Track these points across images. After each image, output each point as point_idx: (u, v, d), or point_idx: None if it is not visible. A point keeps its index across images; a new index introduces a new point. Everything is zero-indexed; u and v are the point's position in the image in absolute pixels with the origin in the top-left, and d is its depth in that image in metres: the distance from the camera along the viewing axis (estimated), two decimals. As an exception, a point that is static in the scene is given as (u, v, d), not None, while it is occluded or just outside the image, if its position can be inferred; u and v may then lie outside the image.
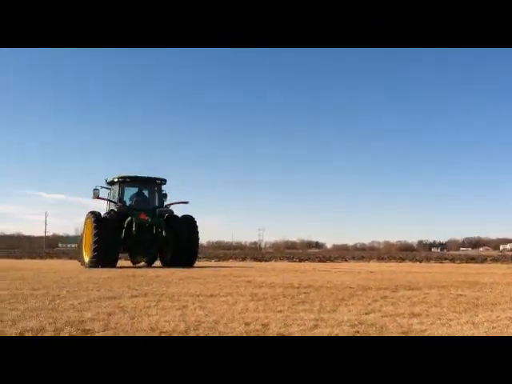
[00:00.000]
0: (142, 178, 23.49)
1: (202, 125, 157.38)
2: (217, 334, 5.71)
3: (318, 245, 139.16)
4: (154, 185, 23.75)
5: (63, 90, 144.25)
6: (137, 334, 5.66)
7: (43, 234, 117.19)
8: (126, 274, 16.72)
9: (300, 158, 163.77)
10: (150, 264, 24.90)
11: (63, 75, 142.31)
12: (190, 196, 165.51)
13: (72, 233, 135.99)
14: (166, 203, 23.76)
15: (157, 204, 23.54)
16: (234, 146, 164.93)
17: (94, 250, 21.09)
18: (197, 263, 27.22)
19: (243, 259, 47.66)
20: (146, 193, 23.80)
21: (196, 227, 23.13)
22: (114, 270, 20.21)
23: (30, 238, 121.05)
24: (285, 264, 36.46)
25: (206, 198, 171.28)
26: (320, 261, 45.01)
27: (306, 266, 31.62)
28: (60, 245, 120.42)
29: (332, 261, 45.50)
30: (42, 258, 46.43)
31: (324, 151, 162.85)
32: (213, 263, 36.33)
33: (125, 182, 23.14)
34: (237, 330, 6.04)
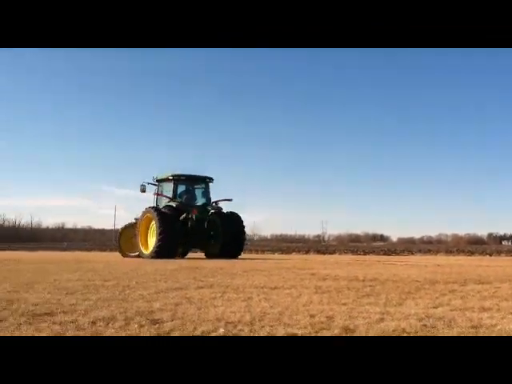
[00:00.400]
0: (194, 176, 25.66)
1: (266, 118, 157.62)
2: (282, 326, 5.75)
3: (382, 238, 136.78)
4: (203, 183, 25.96)
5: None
6: (203, 324, 5.79)
7: (113, 228, 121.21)
8: (191, 266, 17.05)
9: (364, 151, 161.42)
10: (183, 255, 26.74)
11: (139, 77, 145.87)
12: (255, 190, 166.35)
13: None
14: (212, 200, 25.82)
15: (205, 201, 25.66)
16: (296, 138, 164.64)
17: (159, 243, 22.82)
18: (259, 256, 27.53)
19: (306, 252, 47.55)
20: (195, 190, 26.14)
21: (242, 222, 25.34)
22: (177, 261, 20.67)
23: (101, 231, 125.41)
24: (349, 257, 36.11)
25: (269, 192, 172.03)
26: (385, 254, 44.25)
27: (371, 259, 31.20)
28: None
29: (397, 254, 44.67)
30: (111, 250, 48.00)
31: (388, 144, 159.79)
32: (276, 256, 36.48)
33: (179, 179, 25.13)
34: (301, 322, 6.06)
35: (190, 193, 25.85)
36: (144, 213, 24.57)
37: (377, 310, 7.11)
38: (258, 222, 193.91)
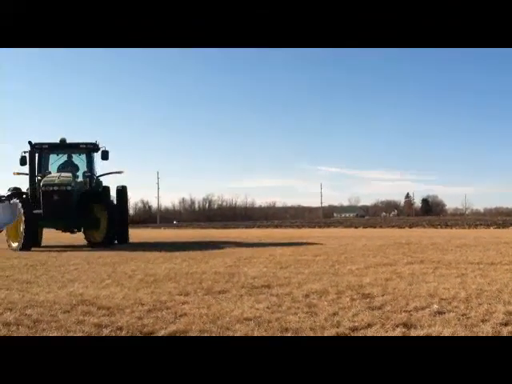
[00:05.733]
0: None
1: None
2: (501, 304, 5.41)
3: None
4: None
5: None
6: (416, 300, 5.70)
7: (320, 205, 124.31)
8: (399, 242, 16.81)
9: None
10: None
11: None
12: (463, 162, 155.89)
13: (346, 203, 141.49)
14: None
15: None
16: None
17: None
18: (471, 230, 25.56)
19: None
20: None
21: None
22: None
23: (308, 209, 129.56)
24: None
25: (482, 162, 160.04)
26: None
27: None
28: (335, 214, 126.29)
29: None
30: (320, 227, 49.42)
31: None
32: (491, 230, 34.06)
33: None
34: (524, 300, 5.63)
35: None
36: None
37: None
38: (469, 195, 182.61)
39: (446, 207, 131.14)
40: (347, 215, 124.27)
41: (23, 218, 16.05)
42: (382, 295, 6.10)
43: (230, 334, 4.36)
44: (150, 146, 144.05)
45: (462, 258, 10.47)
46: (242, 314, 5.04)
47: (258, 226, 53.42)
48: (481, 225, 45.63)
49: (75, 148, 18.88)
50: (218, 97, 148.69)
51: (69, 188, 16.83)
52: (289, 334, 4.30)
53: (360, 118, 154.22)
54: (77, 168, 18.94)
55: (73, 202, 16.79)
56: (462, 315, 4.96)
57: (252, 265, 9.65)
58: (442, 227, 42.54)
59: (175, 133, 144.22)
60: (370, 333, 4.30)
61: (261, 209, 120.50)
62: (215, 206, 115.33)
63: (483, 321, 4.69)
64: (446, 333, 4.21)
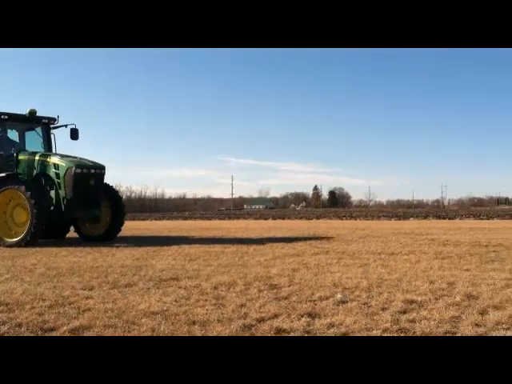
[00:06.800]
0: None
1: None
2: (400, 292, 5.67)
3: (508, 201, 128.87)
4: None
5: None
6: (320, 289, 5.87)
7: (230, 197, 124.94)
8: (307, 233, 17.21)
9: (485, 112, 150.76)
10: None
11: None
12: (372, 155, 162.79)
13: (256, 195, 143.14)
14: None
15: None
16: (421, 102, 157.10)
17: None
18: (375, 221, 26.61)
19: (425, 217, 46.09)
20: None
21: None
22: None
23: (219, 200, 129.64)
24: (471, 222, 34.52)
25: (386, 156, 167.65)
26: (511, 218, 41.75)
27: (496, 223, 29.60)
28: (245, 206, 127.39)
29: (525, 218, 41.95)
30: (230, 218, 49.63)
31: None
32: (393, 221, 35.74)
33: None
34: (421, 288, 5.94)
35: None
36: None
37: (502, 277, 6.79)
38: (373, 187, 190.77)
39: (352, 199, 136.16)
40: (257, 207, 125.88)
41: (29, 207, 12.97)
42: (289, 285, 6.22)
43: (136, 328, 4.28)
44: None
45: (365, 249, 10.89)
46: (148, 308, 4.95)
47: (168, 218, 52.83)
48: (383, 216, 47.81)
49: (31, 122, 15.26)
50: (127, 86, 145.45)
51: (103, 172, 14.54)
52: (196, 327, 4.28)
53: (270, 110, 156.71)
54: (14, 145, 15.13)
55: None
56: (364, 304, 5.17)
57: (160, 257, 9.52)
58: (347, 219, 44.08)
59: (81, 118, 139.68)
60: (276, 323, 4.37)
61: (171, 200, 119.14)
62: (123, 198, 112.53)
63: (383, 309, 4.91)
64: (348, 321, 4.37)
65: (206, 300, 5.39)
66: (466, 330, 4.14)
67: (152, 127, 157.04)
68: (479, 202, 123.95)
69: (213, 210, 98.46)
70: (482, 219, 41.10)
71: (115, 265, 8.31)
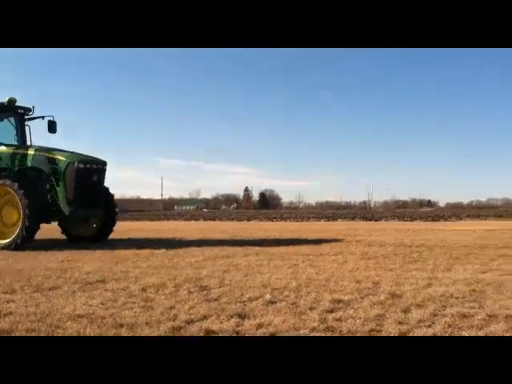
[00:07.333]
0: None
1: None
2: (328, 292, 5.79)
3: (430, 203, 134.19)
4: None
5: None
6: (250, 290, 5.89)
7: (160, 197, 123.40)
8: (239, 235, 17.25)
9: (412, 116, 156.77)
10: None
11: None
12: (299, 157, 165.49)
13: (186, 196, 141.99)
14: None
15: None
16: (345, 107, 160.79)
17: None
18: (304, 223, 27.06)
19: (352, 219, 47.29)
20: None
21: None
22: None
23: (148, 201, 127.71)
24: (395, 223, 35.74)
25: (315, 159, 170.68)
26: (433, 220, 43.54)
27: (419, 225, 30.79)
28: (175, 207, 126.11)
29: (446, 220, 43.91)
30: (160, 219, 48.96)
31: (436, 108, 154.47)
32: (322, 223, 36.45)
33: None
34: (348, 288, 6.08)
35: None
36: None
37: (424, 276, 7.07)
38: (302, 189, 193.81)
39: (282, 201, 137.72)
40: (188, 208, 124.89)
41: (22, 207, 11.70)
42: (219, 287, 6.21)
43: (60, 332, 4.14)
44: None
45: (295, 250, 11.04)
46: (73, 311, 4.80)
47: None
48: (313, 218, 48.64)
49: (3, 111, 13.52)
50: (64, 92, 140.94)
51: (105, 167, 13.45)
52: (123, 330, 4.19)
53: (200, 110, 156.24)
54: None
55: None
56: (292, 304, 5.23)
57: (87, 260, 9.26)
58: (277, 220, 44.55)
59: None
60: (205, 324, 4.35)
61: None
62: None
63: (311, 308, 4.99)
64: (277, 321, 4.41)
65: (134, 302, 5.29)
66: (390, 327, 4.26)
67: (85, 124, 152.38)
68: (403, 205, 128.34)
69: (142, 211, 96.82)
70: (405, 221, 42.61)
71: (38, 267, 8.00)
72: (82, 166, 12.55)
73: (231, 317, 4.61)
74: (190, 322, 4.47)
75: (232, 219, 47.13)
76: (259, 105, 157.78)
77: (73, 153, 13.03)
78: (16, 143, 13.61)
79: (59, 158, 12.61)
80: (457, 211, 73.92)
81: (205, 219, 46.77)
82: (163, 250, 10.88)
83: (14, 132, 13.84)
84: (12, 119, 13.88)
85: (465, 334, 4.12)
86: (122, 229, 24.91)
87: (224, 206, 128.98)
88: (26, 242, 11.83)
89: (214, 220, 45.94)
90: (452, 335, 4.10)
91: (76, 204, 12.50)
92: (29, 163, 12.77)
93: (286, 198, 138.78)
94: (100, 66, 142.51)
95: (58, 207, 12.52)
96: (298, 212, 78.22)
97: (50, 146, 13.36)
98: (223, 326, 4.31)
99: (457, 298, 5.50)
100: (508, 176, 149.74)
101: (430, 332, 4.15)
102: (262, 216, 54.33)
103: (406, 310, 4.89)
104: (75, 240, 13.75)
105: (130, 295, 5.69)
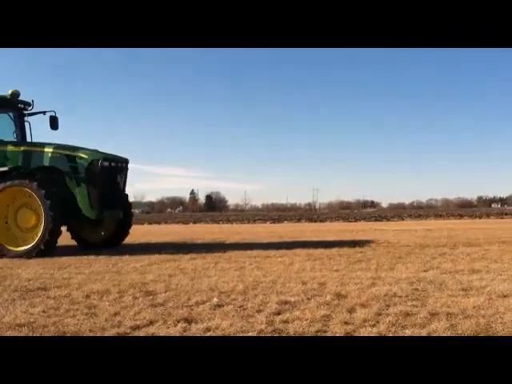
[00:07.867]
0: None
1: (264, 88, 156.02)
2: (275, 294, 5.81)
3: (373, 204, 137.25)
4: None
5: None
6: (197, 294, 5.84)
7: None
8: (184, 238, 17.11)
9: (353, 118, 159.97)
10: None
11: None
12: (245, 159, 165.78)
13: (131, 199, 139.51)
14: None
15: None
16: (294, 108, 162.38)
17: None
18: (251, 225, 27.15)
19: (298, 220, 47.83)
20: None
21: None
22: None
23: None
24: (340, 224, 36.37)
25: (261, 161, 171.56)
26: (376, 220, 44.60)
27: (362, 225, 31.45)
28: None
29: (388, 220, 45.06)
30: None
31: (377, 111, 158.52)
32: (268, 225, 36.67)
33: None
34: (294, 289, 6.12)
35: None
36: None
37: (368, 276, 7.21)
38: (248, 191, 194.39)
39: (228, 203, 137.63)
40: (132, 211, 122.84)
41: (44, 208, 10.75)
42: (165, 291, 6.13)
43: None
44: None
45: (241, 252, 11.04)
46: (14, 320, 4.64)
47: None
48: (259, 220, 48.89)
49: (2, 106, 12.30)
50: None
51: (128, 166, 12.68)
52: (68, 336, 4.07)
53: (143, 111, 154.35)
54: None
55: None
56: (240, 307, 5.22)
57: (27, 266, 8.96)
58: (224, 222, 44.52)
59: None
60: (151, 330, 4.28)
61: None
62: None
63: (258, 311, 5.00)
64: (225, 325, 4.39)
65: (77, 309, 5.15)
66: (336, 328, 4.32)
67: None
68: (347, 205, 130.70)
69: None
70: (350, 221, 43.45)
71: (-25, 275, 7.69)
72: (106, 164, 11.82)
73: (178, 322, 4.56)
74: (135, 328, 4.40)
75: (178, 222, 46.79)
76: (208, 106, 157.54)
77: (94, 150, 12.20)
78: (15, 140, 12.45)
79: (81, 155, 11.67)
80: (399, 211, 76.07)
81: (149, 223, 46.17)
82: (106, 255, 10.66)
83: (13, 129, 12.62)
84: (11, 114, 12.67)
85: (408, 332, 4.21)
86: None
87: (169, 209, 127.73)
88: (51, 248, 10.92)
89: (159, 223, 45.44)
90: (452, 335, 4.12)
91: (101, 205, 11.70)
92: (45, 162, 11.76)
93: (232, 201, 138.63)
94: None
95: (79, 209, 11.62)
96: (245, 214, 78.44)
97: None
98: (170, 331, 4.26)
99: (400, 296, 5.63)
100: (446, 177, 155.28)
101: (374, 331, 4.22)
102: (208, 219, 54.19)
103: (351, 310, 4.97)
104: (87, 245, 12.89)
105: (73, 302, 5.54)
